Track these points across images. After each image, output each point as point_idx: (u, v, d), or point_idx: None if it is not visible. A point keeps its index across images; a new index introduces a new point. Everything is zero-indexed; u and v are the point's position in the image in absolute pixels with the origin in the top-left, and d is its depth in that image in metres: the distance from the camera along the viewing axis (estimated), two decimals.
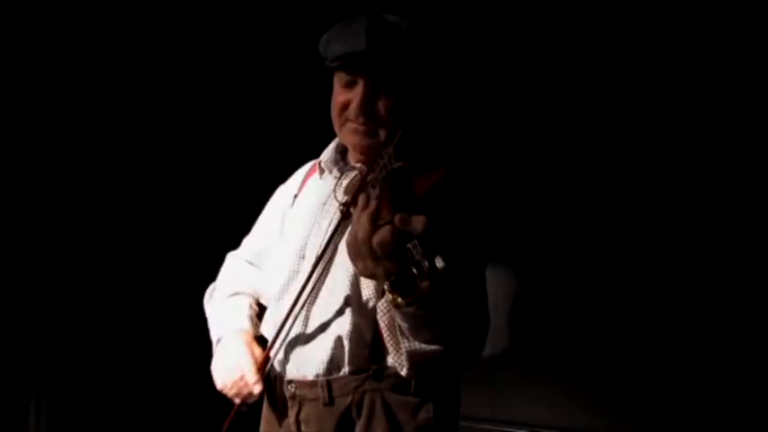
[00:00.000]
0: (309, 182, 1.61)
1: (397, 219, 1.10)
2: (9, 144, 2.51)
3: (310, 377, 1.47)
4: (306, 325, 1.49)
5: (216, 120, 2.92)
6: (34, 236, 2.57)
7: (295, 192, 1.62)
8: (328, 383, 1.45)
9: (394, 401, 1.43)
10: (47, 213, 2.59)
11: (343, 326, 1.43)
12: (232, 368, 1.53)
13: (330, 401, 1.46)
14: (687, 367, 2.55)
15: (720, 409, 2.49)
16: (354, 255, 1.17)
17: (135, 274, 2.69)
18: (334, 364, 1.45)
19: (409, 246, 1.09)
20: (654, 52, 2.59)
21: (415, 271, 1.10)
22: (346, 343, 1.43)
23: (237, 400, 1.53)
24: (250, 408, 1.57)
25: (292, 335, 1.50)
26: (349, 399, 1.44)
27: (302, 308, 1.47)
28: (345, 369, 1.44)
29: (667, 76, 2.58)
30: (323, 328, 1.46)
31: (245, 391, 1.51)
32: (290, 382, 1.51)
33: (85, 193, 2.67)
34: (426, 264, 1.08)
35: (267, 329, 1.59)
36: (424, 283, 1.10)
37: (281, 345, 1.50)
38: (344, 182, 1.46)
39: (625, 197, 2.63)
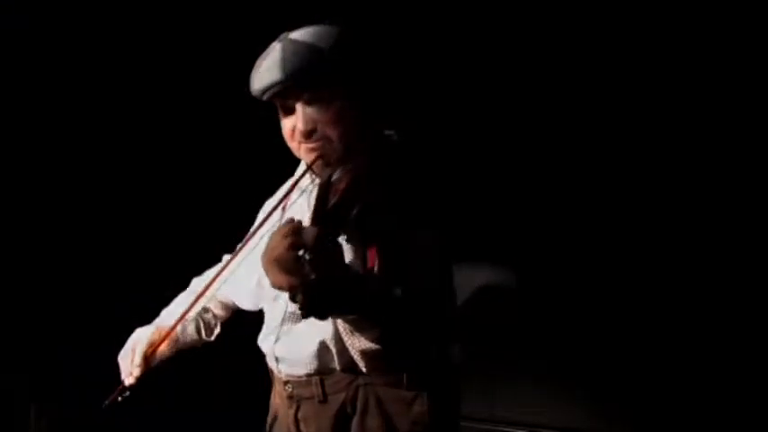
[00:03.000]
0: (294, 193, 1.62)
1: (287, 231, 1.11)
2: (4, 145, 2.52)
3: (304, 376, 1.48)
4: (295, 325, 1.50)
5: (212, 123, 2.92)
6: (34, 236, 2.58)
7: (284, 204, 1.61)
8: (321, 381, 1.47)
9: (387, 396, 1.45)
10: (47, 214, 2.60)
11: (329, 325, 1.44)
12: (129, 345, 1.65)
13: (324, 399, 1.47)
14: (687, 367, 2.54)
15: (720, 409, 2.49)
16: (264, 268, 1.16)
17: (135, 275, 2.69)
18: (324, 362, 1.46)
19: (302, 258, 1.08)
20: (640, 34, 2.58)
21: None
22: (332, 341, 1.44)
23: (123, 379, 1.63)
24: (131, 395, 1.63)
25: (285, 335, 1.51)
26: (343, 395, 1.46)
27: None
28: (336, 366, 1.46)
29: (658, 63, 2.57)
30: (310, 327, 1.46)
31: (126, 372, 1.62)
32: (287, 382, 1.52)
33: (85, 195, 2.68)
34: (313, 276, 1.07)
35: (262, 339, 1.60)
36: (299, 297, 1.08)
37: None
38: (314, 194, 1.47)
39: (626, 198, 2.62)
